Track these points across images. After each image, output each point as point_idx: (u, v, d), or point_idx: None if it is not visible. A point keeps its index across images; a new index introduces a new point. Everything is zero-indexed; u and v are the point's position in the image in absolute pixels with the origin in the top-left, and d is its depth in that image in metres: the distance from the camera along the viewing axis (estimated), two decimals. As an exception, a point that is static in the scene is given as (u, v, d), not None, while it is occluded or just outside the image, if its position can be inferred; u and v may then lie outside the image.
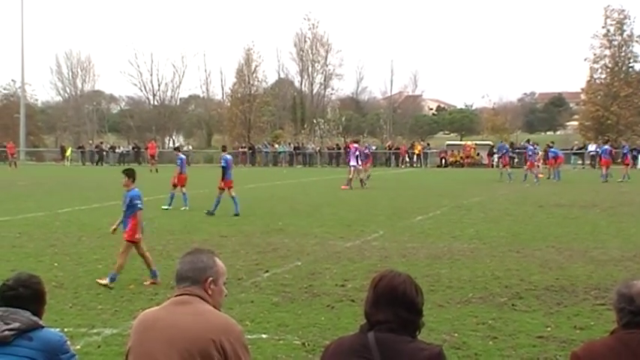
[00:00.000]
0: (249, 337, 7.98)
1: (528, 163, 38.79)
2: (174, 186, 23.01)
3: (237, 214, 20.06)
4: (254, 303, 9.64)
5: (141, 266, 12.26)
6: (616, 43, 69.19)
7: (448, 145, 67.32)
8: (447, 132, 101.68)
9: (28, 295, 4.00)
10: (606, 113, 67.17)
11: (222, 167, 21.11)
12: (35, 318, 3.95)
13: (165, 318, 3.69)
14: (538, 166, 38.95)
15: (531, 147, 39.70)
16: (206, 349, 3.55)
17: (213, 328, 3.62)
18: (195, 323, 3.61)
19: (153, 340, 3.63)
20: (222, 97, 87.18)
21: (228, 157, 21.48)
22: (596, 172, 51.23)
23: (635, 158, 54.79)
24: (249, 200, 25.63)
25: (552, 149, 42.02)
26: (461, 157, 59.64)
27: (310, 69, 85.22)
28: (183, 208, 22.08)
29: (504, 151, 41.49)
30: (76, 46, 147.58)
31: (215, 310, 3.74)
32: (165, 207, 22.25)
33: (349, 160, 33.92)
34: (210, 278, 3.78)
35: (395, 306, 3.32)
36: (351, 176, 32.47)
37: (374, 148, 41.70)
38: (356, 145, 35.02)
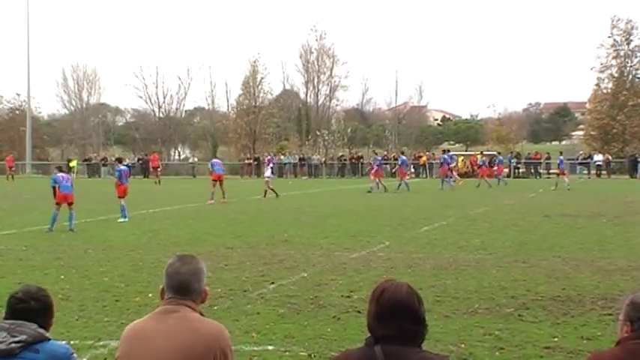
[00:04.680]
0: (255, 348, 8.00)
1: (440, 170, 43.75)
2: (121, 197, 22.87)
3: (51, 230, 19.41)
4: (260, 314, 9.63)
5: (147, 279, 12.28)
6: (622, 53, 69.17)
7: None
8: (452, 142, 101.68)
9: (38, 308, 4.00)
10: (612, 122, 67.10)
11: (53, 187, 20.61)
12: (42, 330, 3.95)
13: (154, 328, 3.68)
14: (452, 174, 43.85)
15: (446, 156, 44.11)
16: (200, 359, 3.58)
17: (206, 336, 3.63)
18: (186, 333, 3.62)
19: (141, 350, 3.63)
20: (228, 109, 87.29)
21: (59, 175, 20.69)
22: (602, 182, 51.24)
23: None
24: (255, 212, 25.65)
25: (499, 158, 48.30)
26: (467, 168, 59.54)
27: (316, 80, 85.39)
28: (124, 220, 22.06)
29: (442, 160, 42.06)
30: (82, 59, 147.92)
31: (204, 318, 3.75)
32: (121, 220, 22.11)
33: (265, 172, 34.45)
34: (207, 288, 3.87)
35: (399, 320, 3.27)
36: (266, 187, 32.94)
37: (379, 158, 41.98)
38: (269, 157, 36.22)
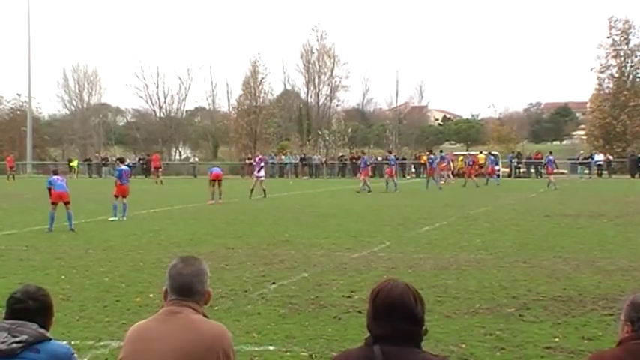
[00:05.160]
0: (256, 349, 8.01)
1: (428, 170, 44.41)
2: (116, 197, 23.18)
3: (51, 230, 19.47)
4: (261, 315, 9.63)
5: (147, 279, 12.29)
6: (622, 52, 69.18)
7: (455, 155, 67.38)
8: (452, 142, 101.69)
9: (36, 307, 4.00)
10: (614, 122, 67.10)
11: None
12: (42, 330, 3.95)
13: (157, 329, 3.71)
14: (442, 175, 45.56)
15: (432, 157, 45.56)
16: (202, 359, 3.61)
17: (208, 337, 3.66)
18: (189, 334, 3.64)
19: (144, 351, 3.66)
20: (228, 109, 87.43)
21: (54, 177, 20.78)
22: (603, 182, 51.25)
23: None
24: (256, 212, 25.65)
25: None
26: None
27: (316, 80, 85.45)
28: (114, 218, 22.41)
29: (392, 163, 42.17)
30: (83, 59, 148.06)
31: (206, 320, 3.78)
32: (112, 219, 22.43)
33: (255, 171, 34.09)
34: (210, 289, 3.88)
35: (393, 320, 3.26)
36: (261, 187, 32.83)
37: (366, 159, 41.61)
38: (260, 156, 36.47)
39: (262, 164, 34.66)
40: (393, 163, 41.60)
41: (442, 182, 43.86)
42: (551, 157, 45.03)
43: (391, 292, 3.31)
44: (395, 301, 3.28)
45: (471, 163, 48.34)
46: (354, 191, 36.64)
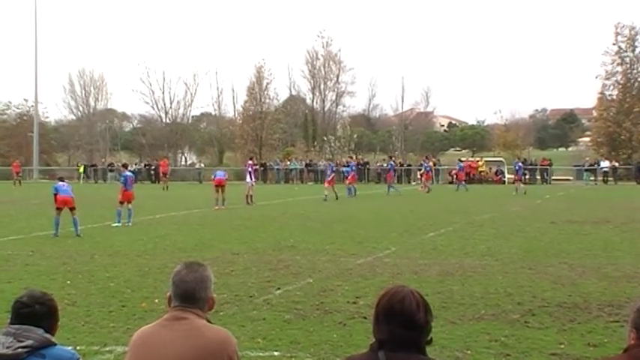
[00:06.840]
0: (260, 354, 8.00)
1: (387, 175, 45.79)
2: (121, 203, 23.28)
3: (56, 235, 19.56)
4: (266, 320, 9.63)
5: (153, 284, 12.29)
6: (628, 59, 69.04)
7: (460, 161, 67.50)
8: (458, 148, 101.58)
9: (42, 312, 4.01)
10: (618, 129, 66.94)
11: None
12: (48, 335, 3.95)
13: (161, 334, 3.71)
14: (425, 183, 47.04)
15: (392, 162, 47.96)
16: None
17: (213, 343, 3.65)
18: (193, 340, 3.64)
19: (149, 356, 3.66)
20: (234, 115, 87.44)
21: (59, 183, 20.91)
22: (608, 188, 51.12)
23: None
24: (261, 217, 25.66)
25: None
26: (472, 174, 59.69)
27: (322, 86, 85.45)
28: (117, 224, 22.49)
29: (352, 169, 43.04)
30: (89, 65, 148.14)
31: (211, 325, 3.77)
32: (115, 224, 22.50)
33: (246, 177, 33.96)
34: (214, 296, 3.88)
35: (391, 324, 3.24)
36: (247, 193, 32.76)
37: (334, 165, 41.45)
38: (250, 162, 36.61)
39: (250, 170, 34.47)
40: (352, 169, 42.23)
41: (420, 188, 45.22)
42: (520, 164, 47.31)
43: (392, 297, 3.30)
44: (394, 306, 3.26)
45: (429, 169, 49.74)
46: (322, 199, 35.66)
